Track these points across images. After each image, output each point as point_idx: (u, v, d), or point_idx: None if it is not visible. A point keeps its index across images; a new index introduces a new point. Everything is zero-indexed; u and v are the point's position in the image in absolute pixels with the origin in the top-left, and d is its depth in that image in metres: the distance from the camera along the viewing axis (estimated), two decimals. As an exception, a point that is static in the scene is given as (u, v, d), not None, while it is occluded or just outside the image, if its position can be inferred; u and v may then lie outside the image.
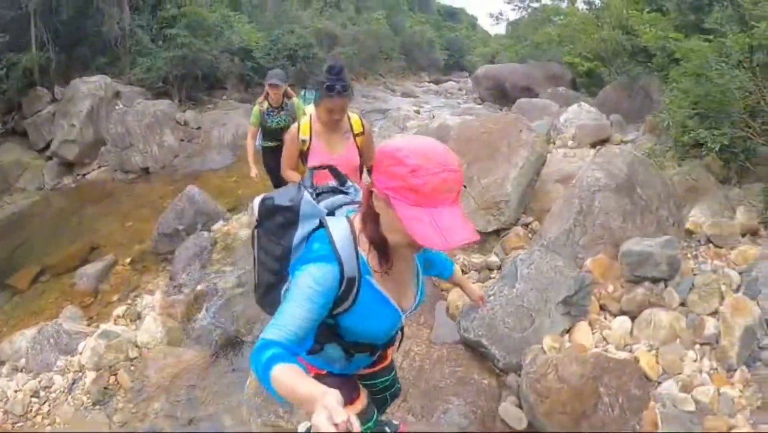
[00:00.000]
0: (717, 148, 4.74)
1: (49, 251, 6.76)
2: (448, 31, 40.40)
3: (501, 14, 25.88)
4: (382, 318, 1.48)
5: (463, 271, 4.21)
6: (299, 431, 2.83)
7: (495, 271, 4.23)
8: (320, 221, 1.44)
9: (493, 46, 28.33)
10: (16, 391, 3.62)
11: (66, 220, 8.05)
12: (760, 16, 4.86)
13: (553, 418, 2.68)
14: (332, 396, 0.95)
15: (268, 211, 1.56)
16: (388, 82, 23.65)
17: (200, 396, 3.48)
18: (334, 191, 1.64)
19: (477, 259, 4.33)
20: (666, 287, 3.44)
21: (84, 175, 9.98)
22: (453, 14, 50.84)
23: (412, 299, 1.57)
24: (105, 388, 3.57)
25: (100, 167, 9.98)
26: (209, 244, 5.39)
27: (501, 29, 29.60)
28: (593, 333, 3.26)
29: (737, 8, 5.61)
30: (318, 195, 1.58)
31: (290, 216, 1.49)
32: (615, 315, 3.38)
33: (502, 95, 15.34)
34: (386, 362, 1.98)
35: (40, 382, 3.67)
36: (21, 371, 3.85)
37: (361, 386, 1.81)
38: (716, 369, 3.03)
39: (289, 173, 3.01)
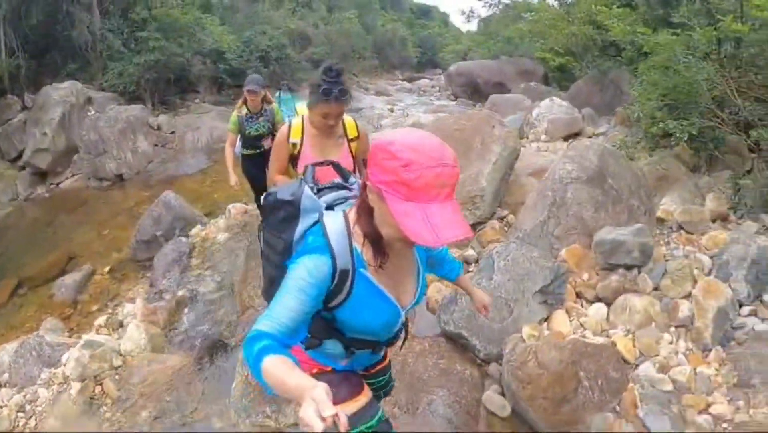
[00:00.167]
0: (685, 138, 4.90)
1: (25, 263, 6.63)
2: (421, 28, 40.60)
3: (472, 12, 26.05)
4: (378, 312, 1.47)
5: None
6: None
7: (472, 264, 4.30)
8: (318, 216, 1.44)
9: (465, 43, 28.55)
10: (1, 406, 3.56)
11: (41, 231, 7.91)
12: (726, 10, 5.03)
13: (535, 403, 2.76)
14: (321, 389, 0.95)
15: (271, 205, 1.56)
16: (362, 81, 23.64)
17: (187, 401, 3.46)
18: (337, 187, 1.63)
19: (454, 253, 4.40)
20: (639, 273, 3.56)
21: (58, 184, 9.79)
22: (425, 12, 51.07)
23: (412, 294, 1.56)
24: (91, 398, 3.53)
25: (73, 176, 9.80)
26: (188, 249, 5.37)
27: (473, 26, 29.85)
28: (570, 320, 3.36)
29: (704, 2, 5.77)
30: (320, 190, 1.58)
31: (291, 210, 1.49)
32: (591, 302, 3.50)
33: (475, 92, 15.53)
34: (385, 362, 1.96)
35: (25, 396, 3.61)
36: (5, 386, 3.77)
37: (365, 383, 1.79)
38: (692, 350, 3.16)
39: (277, 178, 2.81)
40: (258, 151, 4.66)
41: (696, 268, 3.60)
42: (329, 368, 1.66)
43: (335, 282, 1.34)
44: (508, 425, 2.89)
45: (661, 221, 4.38)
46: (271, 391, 1.11)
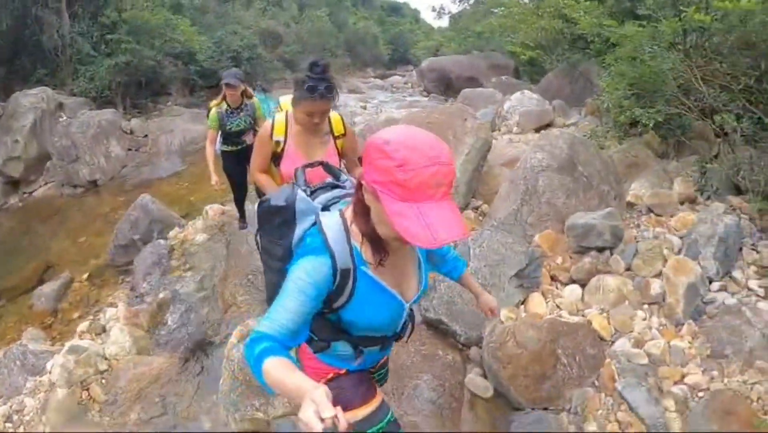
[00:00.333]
0: (652, 125, 5.08)
1: (2, 274, 6.51)
2: (392, 25, 40.74)
3: (443, 8, 26.28)
4: (383, 308, 1.46)
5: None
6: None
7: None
8: (315, 218, 1.43)
9: (436, 39, 28.80)
10: (-13, 418, 3.51)
11: (17, 240, 7.75)
12: (690, 1, 5.20)
13: (516, 381, 2.87)
14: (321, 391, 0.95)
15: (266, 213, 1.55)
16: (334, 80, 23.65)
17: (175, 401, 3.48)
18: (330, 187, 1.61)
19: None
20: (611, 254, 3.71)
21: (31, 193, 9.57)
22: (396, 9, 51.18)
23: (415, 288, 1.54)
24: (78, 404, 3.51)
25: (46, 183, 9.59)
26: (167, 251, 5.33)
27: (444, 22, 30.10)
28: (546, 302, 3.49)
29: None
30: (314, 192, 1.56)
31: (287, 215, 1.47)
32: (566, 284, 3.63)
33: (447, 87, 15.67)
34: (385, 359, 1.96)
35: (11, 407, 3.57)
36: (-10, 397, 3.72)
37: (376, 384, 1.81)
38: (665, 325, 3.30)
39: (259, 176, 2.72)
40: (239, 147, 4.61)
41: (666, 248, 3.76)
42: (344, 371, 1.66)
43: (337, 282, 1.34)
44: (492, 405, 2.98)
45: (631, 205, 4.54)
46: (271, 391, 1.12)
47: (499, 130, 7.81)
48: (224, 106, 4.49)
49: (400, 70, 31.01)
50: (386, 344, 1.66)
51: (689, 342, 3.19)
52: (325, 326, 1.48)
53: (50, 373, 3.69)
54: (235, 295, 4.50)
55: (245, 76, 4.92)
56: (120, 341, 3.94)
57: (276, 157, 2.64)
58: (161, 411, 3.42)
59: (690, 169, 5.23)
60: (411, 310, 1.58)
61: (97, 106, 11.09)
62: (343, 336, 1.52)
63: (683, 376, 2.99)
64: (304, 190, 1.52)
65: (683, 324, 3.28)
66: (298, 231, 1.46)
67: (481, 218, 4.73)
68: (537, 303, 3.45)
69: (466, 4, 21.37)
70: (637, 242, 3.84)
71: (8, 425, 3.48)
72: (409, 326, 1.65)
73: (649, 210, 4.42)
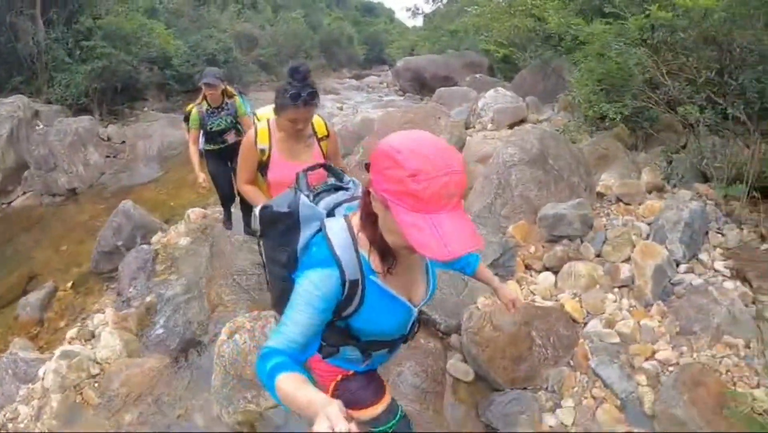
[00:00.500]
0: (619, 119, 5.30)
1: (-16, 287, 6.50)
2: (367, 25, 40.92)
3: (417, 8, 26.48)
4: (392, 315, 1.46)
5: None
6: None
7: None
8: (320, 225, 1.40)
9: (411, 38, 28.96)
10: (-18, 428, 3.53)
11: (-2, 252, 7.72)
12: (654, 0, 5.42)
13: (494, 363, 3.03)
14: (334, 406, 0.94)
15: (269, 220, 1.52)
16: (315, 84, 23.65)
17: (168, 400, 3.56)
18: (333, 189, 1.59)
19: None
20: (582, 242, 3.90)
21: (9, 203, 9.44)
22: (370, 8, 51.36)
23: (424, 291, 1.53)
24: (72, 409, 3.56)
25: (25, 193, 9.47)
26: (151, 256, 5.38)
27: (419, 22, 30.30)
28: (521, 289, 3.66)
29: None
30: (317, 195, 1.54)
31: (291, 222, 1.45)
32: (539, 272, 3.81)
33: (422, 86, 15.86)
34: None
35: (5, 415, 3.60)
36: (-17, 408, 3.73)
37: (385, 384, 1.83)
38: (635, 306, 3.49)
39: (246, 188, 2.66)
40: (222, 146, 4.61)
41: (634, 234, 3.96)
42: (351, 372, 1.68)
43: (345, 293, 1.32)
44: (473, 388, 3.13)
45: (601, 195, 4.74)
46: (286, 408, 1.17)
47: (474, 128, 7.96)
48: (205, 105, 4.47)
49: (376, 70, 31.18)
50: (394, 346, 1.66)
51: (659, 321, 3.37)
52: (334, 332, 1.47)
53: (43, 379, 3.72)
54: (221, 295, 4.57)
55: (222, 81, 4.92)
56: (111, 344, 3.98)
57: (262, 167, 2.59)
58: (155, 411, 3.49)
59: (657, 160, 5.47)
60: (419, 312, 1.57)
61: (73, 114, 11.00)
62: (352, 342, 1.52)
63: (654, 352, 3.16)
64: (307, 195, 1.49)
65: (652, 304, 3.47)
66: (303, 238, 1.43)
67: (457, 213, 4.89)
68: (512, 290, 3.60)
69: (439, 3, 21.61)
70: (607, 229, 4.04)
71: (3, 433, 3.51)
72: (417, 328, 1.66)
73: (618, 199, 4.62)
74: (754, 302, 3.42)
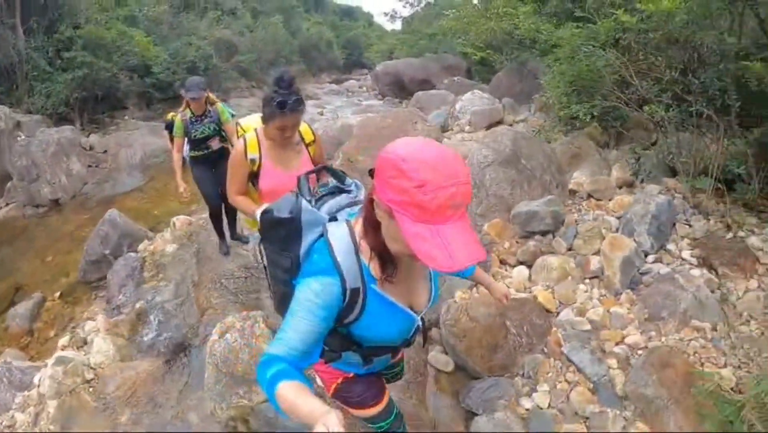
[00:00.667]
0: (588, 119, 5.52)
1: (-28, 300, 6.50)
2: (346, 30, 41.02)
3: (395, 12, 26.69)
4: (393, 323, 1.46)
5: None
6: None
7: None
8: (323, 231, 1.39)
9: (390, 42, 29.08)
10: (-21, 437, 3.60)
11: (-17, 265, 7.71)
12: (621, 4, 5.63)
13: (472, 353, 3.21)
14: (333, 416, 0.95)
15: (270, 224, 1.51)
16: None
17: (162, 401, 3.67)
18: (336, 191, 1.59)
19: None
20: (554, 237, 4.11)
21: (-7, 215, 9.48)
22: (349, 12, 51.46)
23: (426, 298, 1.52)
24: (69, 413, 3.63)
25: (7, 205, 9.44)
26: (139, 263, 5.45)
27: (398, 25, 30.49)
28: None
29: None
30: (319, 199, 1.54)
31: (293, 227, 1.43)
32: (514, 266, 4.01)
33: (401, 89, 15.99)
34: (398, 358, 2.00)
35: (2, 423, 3.66)
36: (-20, 417, 3.79)
37: (385, 386, 1.87)
38: (605, 295, 3.68)
39: (238, 200, 2.63)
40: (206, 153, 4.64)
41: (604, 228, 4.17)
42: (351, 375, 1.71)
43: (346, 301, 1.32)
44: (453, 378, 3.31)
45: (573, 192, 4.96)
46: (285, 416, 1.11)
47: (452, 130, 8.14)
48: (188, 113, 4.49)
49: (355, 74, 31.29)
50: (396, 352, 1.68)
51: (628, 308, 3.57)
52: (336, 338, 1.47)
53: (39, 386, 3.81)
54: (210, 299, 4.70)
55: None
56: (104, 349, 4.09)
57: (253, 176, 2.60)
58: (150, 411, 3.60)
59: (627, 157, 5.71)
60: (422, 319, 1.57)
61: (54, 123, 11.01)
62: (354, 348, 1.52)
63: (623, 337, 3.35)
64: (309, 200, 1.49)
65: (622, 293, 3.66)
66: (305, 243, 1.42)
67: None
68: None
69: (417, 7, 21.82)
70: (578, 224, 4.25)
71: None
72: (420, 333, 1.65)
73: (590, 196, 4.84)
74: (719, 288, 3.62)
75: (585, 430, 2.85)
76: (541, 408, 3.01)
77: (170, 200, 7.94)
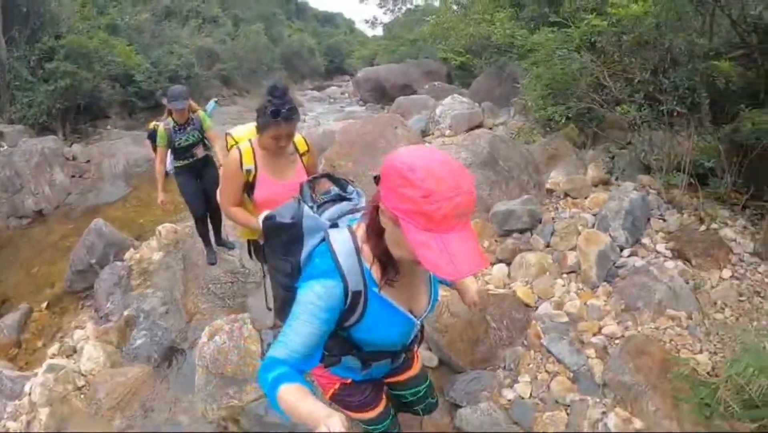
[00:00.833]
0: (563, 120, 5.69)
1: (-42, 313, 6.45)
2: (327, 36, 41.17)
3: (375, 19, 26.90)
4: (393, 327, 1.47)
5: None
6: None
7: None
8: (324, 236, 1.41)
9: (371, 48, 29.26)
10: (-28, 447, 3.60)
11: (-32, 277, 7.64)
12: (593, 9, 5.81)
13: (454, 347, 3.32)
14: (336, 418, 0.97)
15: (272, 230, 1.53)
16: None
17: (154, 405, 3.74)
18: (338, 199, 1.61)
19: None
20: (532, 235, 4.25)
21: (-25, 227, 9.38)
22: (330, 19, 51.58)
23: (426, 302, 1.54)
24: (61, 420, 3.65)
25: (-9, 216, 9.43)
26: (126, 272, 5.49)
27: (379, 31, 30.72)
28: (477, 280, 3.96)
29: (588, 1, 6.52)
30: (320, 206, 1.56)
31: (294, 233, 1.45)
32: (493, 264, 4.13)
33: (382, 95, 16.10)
34: (412, 372, 1.98)
35: None
36: (-28, 427, 3.79)
37: (384, 392, 1.89)
38: (582, 289, 3.82)
39: (233, 211, 2.61)
40: (191, 161, 4.65)
41: (580, 225, 4.30)
42: (349, 380, 1.72)
43: (348, 304, 1.34)
44: (437, 373, 3.40)
45: (550, 191, 5.11)
46: (287, 418, 1.12)
47: (433, 134, 8.29)
48: (171, 122, 4.48)
49: (337, 80, 31.36)
50: (396, 357, 1.68)
51: (605, 300, 3.70)
52: (336, 342, 1.49)
53: (30, 394, 3.84)
54: (198, 304, 4.76)
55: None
56: (94, 356, 4.12)
57: (248, 187, 2.57)
58: (142, 415, 3.67)
59: (603, 156, 5.88)
60: (421, 324, 1.59)
61: (36, 133, 10.94)
62: (353, 352, 1.54)
63: (600, 328, 3.48)
64: (311, 206, 1.51)
65: (598, 286, 3.80)
66: (307, 249, 1.44)
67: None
68: (468, 282, 3.87)
69: (398, 13, 22.01)
70: (555, 222, 4.39)
71: (-6, 450, 3.60)
72: (419, 338, 1.68)
73: (566, 194, 4.99)
74: (693, 278, 3.75)
75: (565, 416, 2.96)
76: (523, 398, 3.13)
77: (155, 209, 7.88)
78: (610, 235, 4.12)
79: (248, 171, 2.51)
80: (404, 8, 21.72)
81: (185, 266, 5.36)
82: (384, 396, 1.88)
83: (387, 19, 24.51)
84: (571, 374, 3.22)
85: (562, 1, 7.34)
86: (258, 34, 25.45)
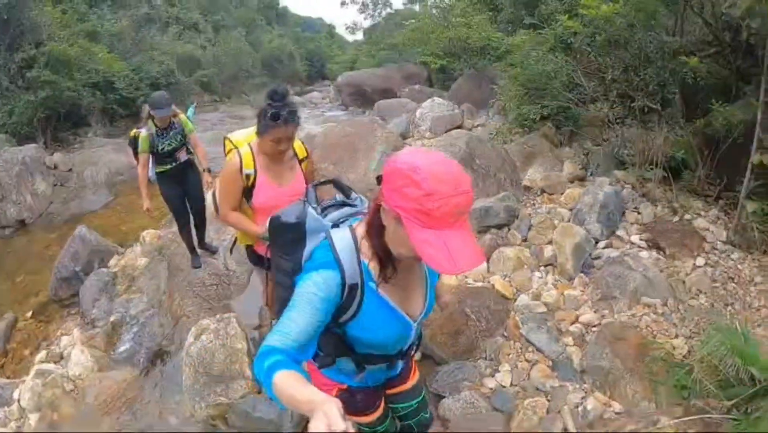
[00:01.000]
0: (538, 119, 5.85)
1: (-58, 325, 6.39)
2: (308, 41, 41.11)
3: (356, 24, 26.95)
4: (388, 326, 1.48)
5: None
6: None
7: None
8: (325, 234, 1.44)
9: (352, 53, 29.30)
10: (-37, 455, 3.59)
11: (-49, 289, 7.55)
12: (566, 11, 5.96)
13: (436, 340, 3.44)
14: (333, 404, 0.95)
15: (277, 229, 1.58)
16: (252, 100, 23.56)
17: (142, 408, 3.77)
18: (341, 205, 1.66)
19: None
20: (509, 230, 4.38)
21: (-43, 238, 9.25)
22: (311, 24, 51.54)
23: (421, 306, 1.56)
24: (51, 424, 3.68)
25: (-28, 227, 9.31)
26: (111, 278, 5.51)
27: (360, 36, 30.79)
28: (456, 277, 4.03)
29: (562, 3, 6.68)
30: (324, 209, 1.60)
31: (297, 233, 1.49)
32: (472, 259, 4.23)
33: (363, 99, 16.10)
34: (407, 385, 1.96)
35: None
36: (-39, 435, 3.77)
37: (383, 399, 1.89)
38: (559, 280, 3.95)
39: (232, 216, 2.59)
40: (173, 165, 4.62)
41: (557, 219, 4.46)
42: (345, 386, 1.72)
43: (344, 296, 1.36)
44: (422, 366, 3.48)
45: (527, 188, 5.26)
46: (282, 406, 1.11)
47: (413, 137, 8.39)
48: (152, 127, 4.43)
49: (318, 85, 31.09)
50: (392, 363, 1.69)
51: (581, 291, 3.84)
52: (331, 341, 1.51)
53: (18, 401, 3.85)
54: (183, 307, 4.78)
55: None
56: (82, 361, 4.14)
57: (247, 192, 2.55)
58: (131, 418, 3.70)
59: (579, 153, 6.05)
60: (419, 328, 1.62)
61: (17, 142, 10.83)
62: (348, 353, 1.55)
63: (578, 317, 3.61)
64: (315, 209, 1.56)
65: (575, 277, 3.95)
66: (308, 249, 1.47)
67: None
68: (447, 277, 3.97)
69: (378, 18, 22.14)
70: (532, 217, 4.54)
71: (-15, 457, 3.61)
72: (417, 345, 1.70)
73: (543, 191, 5.15)
74: (668, 267, 3.90)
75: (546, 402, 3.07)
76: (504, 386, 3.24)
77: (138, 216, 7.85)
78: (585, 228, 4.26)
79: (248, 176, 2.50)
80: (384, 13, 21.90)
81: (170, 270, 5.39)
82: (382, 400, 1.91)
83: (367, 24, 24.66)
84: (551, 362, 3.34)
85: (538, 4, 7.54)
86: (238, 40, 25.47)
